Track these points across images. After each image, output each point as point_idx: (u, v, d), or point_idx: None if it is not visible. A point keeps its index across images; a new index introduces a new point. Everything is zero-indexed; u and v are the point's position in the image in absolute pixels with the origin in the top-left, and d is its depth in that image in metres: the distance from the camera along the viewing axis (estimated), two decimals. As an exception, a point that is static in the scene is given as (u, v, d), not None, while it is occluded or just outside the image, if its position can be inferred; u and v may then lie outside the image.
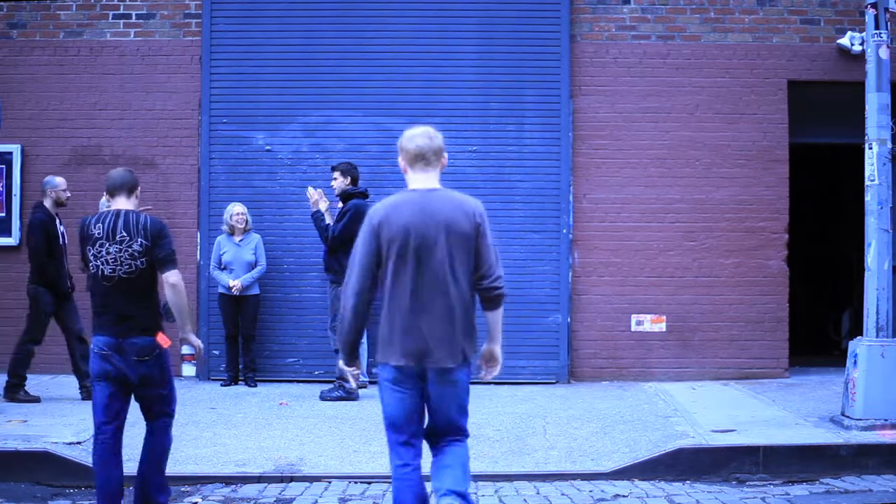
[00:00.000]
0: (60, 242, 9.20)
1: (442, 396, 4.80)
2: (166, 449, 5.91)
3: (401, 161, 4.89)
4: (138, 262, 5.67)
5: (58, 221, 9.26)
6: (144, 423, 5.93)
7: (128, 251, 5.65)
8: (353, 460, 7.43)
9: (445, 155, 4.88)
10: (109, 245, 5.66)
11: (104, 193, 8.55)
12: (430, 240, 4.68)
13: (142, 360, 5.66)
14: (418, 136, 4.82)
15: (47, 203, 9.25)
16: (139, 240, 5.66)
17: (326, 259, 9.58)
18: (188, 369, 8.29)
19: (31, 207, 10.15)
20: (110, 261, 5.65)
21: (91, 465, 6.24)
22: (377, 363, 4.92)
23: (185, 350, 6.62)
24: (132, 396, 5.81)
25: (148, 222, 5.72)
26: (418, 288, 4.70)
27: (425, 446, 4.98)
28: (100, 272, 5.69)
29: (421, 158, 4.80)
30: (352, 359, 4.96)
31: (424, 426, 4.92)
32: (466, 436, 4.94)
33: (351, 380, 5.15)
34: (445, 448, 4.85)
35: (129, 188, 5.85)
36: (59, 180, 9.36)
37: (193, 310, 5.71)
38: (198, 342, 6.04)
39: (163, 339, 5.73)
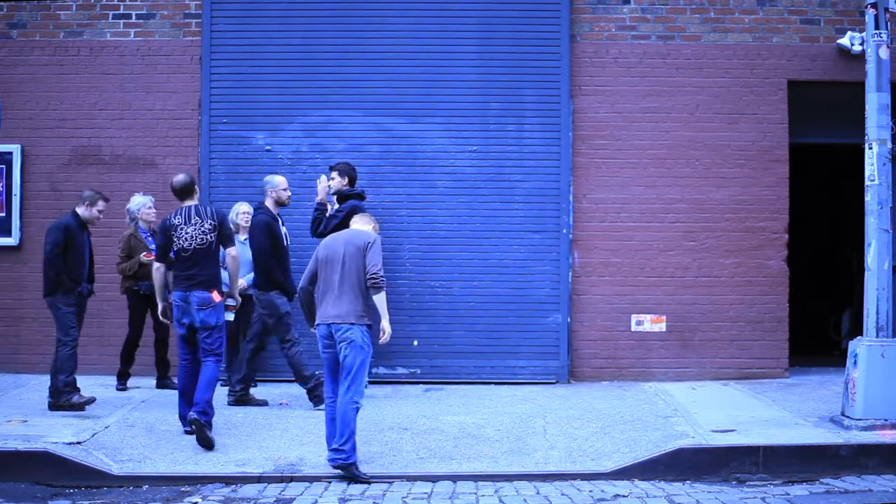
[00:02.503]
0: (284, 243, 9.08)
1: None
2: (215, 377, 7.92)
3: (353, 221, 7.89)
4: (208, 237, 7.99)
5: (280, 222, 9.15)
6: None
7: (200, 229, 7.97)
8: (352, 460, 7.43)
9: (377, 225, 7.93)
10: (187, 227, 7.97)
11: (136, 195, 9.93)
12: (345, 255, 7.42)
13: (202, 309, 7.92)
14: (364, 215, 7.99)
15: (268, 203, 9.16)
16: (208, 220, 8.00)
17: None
18: (229, 316, 9.00)
19: (30, 207, 10.16)
20: (187, 238, 7.95)
21: (91, 465, 7.35)
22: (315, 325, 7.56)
23: (230, 302, 8.47)
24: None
25: (213, 210, 8.13)
26: (338, 282, 7.39)
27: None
28: (180, 246, 7.95)
29: (361, 221, 7.81)
30: (311, 324, 7.61)
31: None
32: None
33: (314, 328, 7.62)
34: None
35: (192, 191, 8.15)
36: (280, 179, 9.19)
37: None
38: (238, 298, 8.59)
39: (216, 295, 8.00)
